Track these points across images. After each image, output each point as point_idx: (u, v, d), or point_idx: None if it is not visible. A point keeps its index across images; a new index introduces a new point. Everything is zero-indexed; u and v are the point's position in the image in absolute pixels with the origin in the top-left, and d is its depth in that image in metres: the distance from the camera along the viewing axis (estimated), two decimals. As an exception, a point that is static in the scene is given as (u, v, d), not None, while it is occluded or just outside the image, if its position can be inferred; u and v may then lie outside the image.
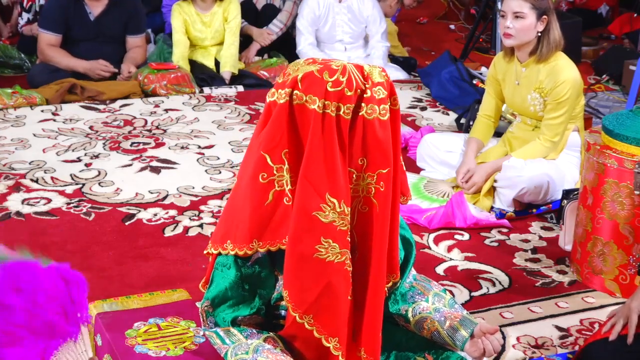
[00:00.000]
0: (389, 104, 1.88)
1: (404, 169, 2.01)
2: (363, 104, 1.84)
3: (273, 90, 1.90)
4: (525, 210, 3.83)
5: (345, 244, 1.88)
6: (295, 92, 1.85)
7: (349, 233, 1.89)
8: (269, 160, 1.88)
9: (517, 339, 2.87)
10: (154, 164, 4.29)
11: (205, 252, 2.02)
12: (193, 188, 4.01)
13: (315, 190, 1.83)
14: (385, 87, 1.87)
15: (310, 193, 1.84)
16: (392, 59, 6.26)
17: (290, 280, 1.89)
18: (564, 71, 3.73)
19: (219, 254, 1.96)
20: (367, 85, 1.85)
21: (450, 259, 3.42)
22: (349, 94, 1.83)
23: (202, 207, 3.80)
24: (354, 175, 1.88)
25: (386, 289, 2.05)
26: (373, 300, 1.94)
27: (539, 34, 3.75)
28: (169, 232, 3.56)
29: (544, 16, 3.73)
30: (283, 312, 2.01)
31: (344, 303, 1.91)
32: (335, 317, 1.90)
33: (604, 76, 6.01)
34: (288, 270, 1.89)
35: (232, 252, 1.92)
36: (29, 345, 1.68)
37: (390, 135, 1.88)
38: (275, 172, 1.88)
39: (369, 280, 1.93)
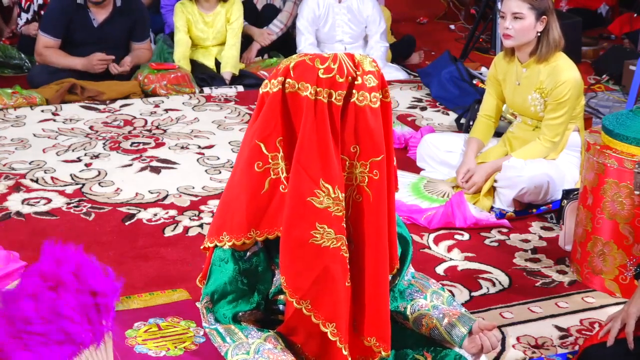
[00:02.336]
0: (380, 93, 1.90)
1: (395, 162, 2.02)
2: (354, 91, 1.86)
3: (265, 81, 1.92)
4: (525, 210, 3.83)
5: (341, 229, 1.88)
6: (288, 80, 1.87)
7: (345, 221, 1.90)
8: (263, 148, 1.89)
9: (517, 339, 2.87)
10: (154, 164, 4.29)
11: (201, 247, 2.03)
12: (193, 188, 4.01)
13: (308, 176, 1.84)
14: (376, 76, 1.89)
15: (303, 179, 1.85)
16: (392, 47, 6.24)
17: (286, 266, 1.90)
18: (565, 72, 3.73)
19: (215, 246, 1.97)
20: (358, 73, 1.86)
21: (450, 259, 3.42)
22: (340, 80, 1.85)
23: (202, 207, 3.80)
24: (347, 163, 1.89)
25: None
26: (374, 289, 1.93)
27: (539, 34, 3.75)
28: (169, 232, 3.56)
29: (544, 16, 3.73)
30: (281, 307, 2.01)
31: (342, 289, 1.91)
32: (333, 303, 1.90)
33: (604, 76, 6.00)
34: (284, 255, 1.90)
35: (229, 243, 1.92)
36: (41, 351, 1.68)
37: (382, 124, 1.89)
38: (270, 160, 1.89)
39: (365, 271, 1.93)
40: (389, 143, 1.93)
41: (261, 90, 1.93)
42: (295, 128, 1.88)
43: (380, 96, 1.90)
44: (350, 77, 1.86)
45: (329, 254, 1.87)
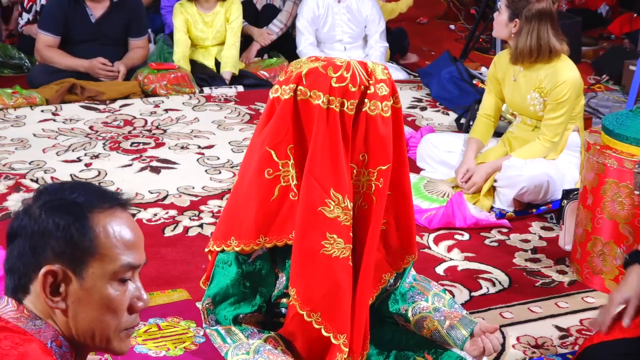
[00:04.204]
0: (391, 101, 1.89)
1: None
2: (366, 100, 1.86)
3: (276, 86, 1.91)
4: (525, 210, 3.83)
5: (349, 239, 1.88)
6: (300, 87, 1.86)
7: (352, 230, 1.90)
8: (274, 155, 1.88)
9: (517, 339, 2.87)
10: (154, 164, 4.29)
11: (206, 249, 2.02)
12: (193, 188, 4.01)
13: (320, 186, 1.84)
14: (388, 84, 1.88)
15: (315, 188, 1.84)
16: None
17: (298, 277, 1.89)
18: (564, 71, 3.73)
19: (222, 250, 1.96)
20: (370, 82, 1.86)
21: (450, 259, 3.42)
22: (353, 89, 1.84)
23: (202, 207, 3.79)
24: (355, 171, 1.89)
25: (389, 282, 2.06)
26: (359, 292, 1.93)
27: (513, 35, 3.79)
28: (169, 232, 3.56)
29: (516, 19, 3.75)
30: (283, 310, 2.01)
31: (349, 299, 1.91)
32: (342, 314, 1.90)
33: (604, 76, 6.00)
34: (296, 266, 1.89)
35: (237, 249, 1.92)
36: None
37: (391, 132, 1.89)
38: (280, 167, 1.89)
39: (359, 277, 1.93)
40: (402, 148, 1.93)
41: (271, 94, 1.91)
42: (306, 136, 1.87)
43: (391, 103, 1.89)
44: (362, 86, 1.85)
45: (338, 264, 1.87)
